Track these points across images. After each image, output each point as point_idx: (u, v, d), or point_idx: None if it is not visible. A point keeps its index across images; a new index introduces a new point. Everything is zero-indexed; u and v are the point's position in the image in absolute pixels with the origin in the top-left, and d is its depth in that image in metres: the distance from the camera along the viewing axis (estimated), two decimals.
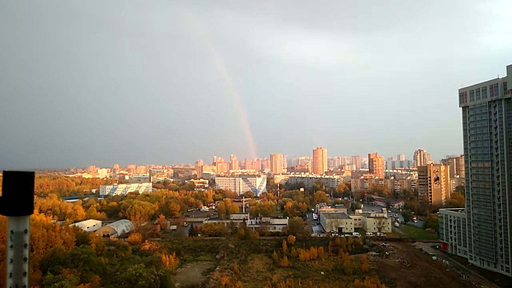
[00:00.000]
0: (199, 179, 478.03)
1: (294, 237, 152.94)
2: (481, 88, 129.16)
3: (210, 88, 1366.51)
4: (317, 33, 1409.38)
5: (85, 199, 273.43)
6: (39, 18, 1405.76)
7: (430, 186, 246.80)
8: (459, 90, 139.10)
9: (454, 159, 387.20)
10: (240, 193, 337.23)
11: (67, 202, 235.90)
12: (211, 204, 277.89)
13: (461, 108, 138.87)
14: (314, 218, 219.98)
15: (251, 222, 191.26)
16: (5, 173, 3.17)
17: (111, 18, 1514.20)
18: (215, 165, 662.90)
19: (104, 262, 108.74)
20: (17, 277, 3.18)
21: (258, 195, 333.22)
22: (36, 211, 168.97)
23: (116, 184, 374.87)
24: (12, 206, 3.18)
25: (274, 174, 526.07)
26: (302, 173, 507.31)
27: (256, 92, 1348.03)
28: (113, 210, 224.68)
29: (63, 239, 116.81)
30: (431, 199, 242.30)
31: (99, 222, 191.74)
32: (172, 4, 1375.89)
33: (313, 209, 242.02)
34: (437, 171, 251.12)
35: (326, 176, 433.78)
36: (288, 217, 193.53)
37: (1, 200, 3.16)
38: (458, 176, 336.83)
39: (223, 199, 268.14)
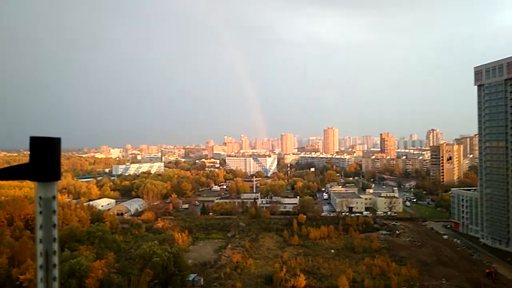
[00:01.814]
0: (210, 159, 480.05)
1: (305, 216, 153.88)
2: (497, 66, 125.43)
3: (221, 68, 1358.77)
4: (329, 11, 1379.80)
5: (99, 178, 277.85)
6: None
7: (443, 166, 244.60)
8: (474, 68, 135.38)
9: (468, 139, 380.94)
10: (251, 173, 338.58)
11: (81, 181, 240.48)
12: (222, 183, 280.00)
13: (476, 86, 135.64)
14: (325, 197, 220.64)
15: (262, 201, 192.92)
16: (32, 139, 3.10)
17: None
18: (225, 145, 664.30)
19: (119, 240, 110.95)
20: (47, 242, 3.18)
21: (268, 175, 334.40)
22: None
23: (128, 163, 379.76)
24: (40, 172, 3.10)
25: (285, 154, 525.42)
26: (313, 153, 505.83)
27: (268, 72, 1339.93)
28: (126, 189, 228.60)
29: (78, 217, 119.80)
30: (443, 178, 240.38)
31: (113, 201, 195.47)
32: None
33: (323, 189, 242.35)
34: (450, 150, 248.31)
35: (337, 156, 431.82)
36: (298, 197, 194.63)
37: (29, 166, 3.09)
38: (471, 156, 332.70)
39: (234, 179, 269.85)
